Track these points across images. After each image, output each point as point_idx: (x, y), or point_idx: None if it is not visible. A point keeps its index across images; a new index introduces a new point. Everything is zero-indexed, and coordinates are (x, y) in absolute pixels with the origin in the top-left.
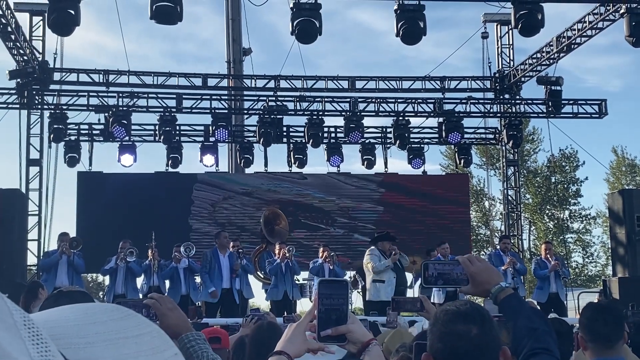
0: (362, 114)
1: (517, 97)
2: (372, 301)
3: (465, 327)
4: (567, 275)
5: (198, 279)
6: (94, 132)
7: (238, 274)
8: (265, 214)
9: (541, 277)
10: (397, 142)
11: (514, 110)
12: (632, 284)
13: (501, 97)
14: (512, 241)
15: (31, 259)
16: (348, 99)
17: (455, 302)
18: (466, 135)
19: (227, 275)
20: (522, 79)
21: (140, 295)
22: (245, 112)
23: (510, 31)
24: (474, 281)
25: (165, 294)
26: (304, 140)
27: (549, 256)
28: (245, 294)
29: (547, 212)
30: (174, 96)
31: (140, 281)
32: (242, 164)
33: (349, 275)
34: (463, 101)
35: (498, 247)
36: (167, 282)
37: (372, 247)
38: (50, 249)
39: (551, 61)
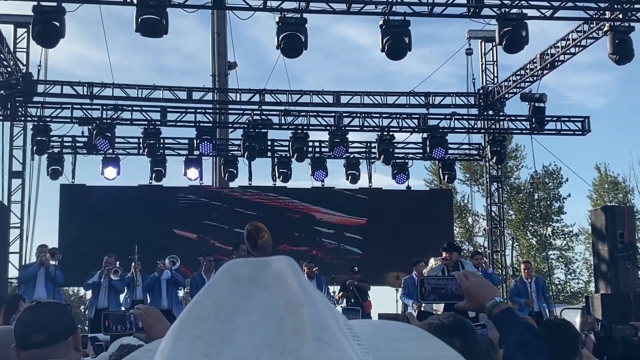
0: (347, 128)
1: (501, 113)
2: (424, 311)
3: (448, 341)
4: (547, 299)
5: (181, 293)
6: (78, 144)
7: None
8: (249, 228)
9: (517, 303)
10: (382, 157)
11: (497, 126)
12: (615, 300)
13: (485, 113)
14: (495, 257)
15: (12, 272)
16: (333, 114)
17: (440, 315)
18: (450, 151)
19: None
20: (506, 96)
21: (123, 309)
22: (230, 125)
23: (495, 48)
24: (469, 296)
25: None
26: (288, 155)
27: (527, 277)
28: None
29: (530, 228)
30: (159, 109)
31: (122, 295)
32: (226, 178)
33: (333, 290)
34: (447, 117)
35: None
36: (149, 296)
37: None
38: (30, 262)
39: (535, 78)
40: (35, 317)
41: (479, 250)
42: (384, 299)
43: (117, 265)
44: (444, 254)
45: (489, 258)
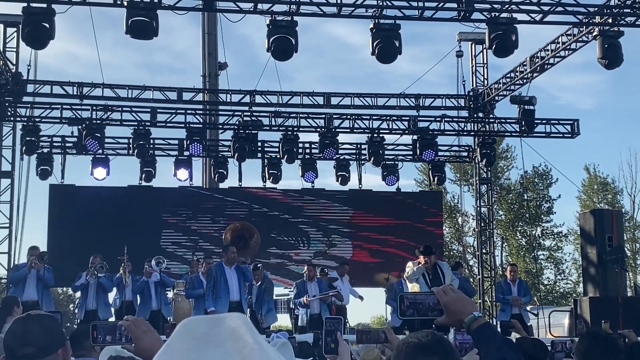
0: (337, 130)
1: (491, 115)
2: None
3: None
4: (528, 301)
5: (170, 294)
6: (67, 144)
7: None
8: (230, 236)
9: (502, 302)
10: (372, 158)
11: (487, 128)
12: (603, 303)
13: (475, 115)
14: (485, 258)
15: (1, 272)
16: (323, 115)
17: (417, 333)
18: (440, 153)
19: (235, 288)
20: (496, 98)
21: (113, 310)
22: (220, 126)
23: (485, 50)
24: (447, 311)
25: (137, 310)
26: (278, 156)
27: (512, 279)
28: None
29: (519, 228)
30: (149, 110)
31: (112, 296)
32: (216, 179)
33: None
34: (437, 119)
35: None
36: (138, 297)
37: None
38: (20, 262)
39: (525, 81)
40: (25, 329)
41: (460, 261)
42: (374, 300)
43: (101, 261)
44: (421, 258)
45: (478, 259)
